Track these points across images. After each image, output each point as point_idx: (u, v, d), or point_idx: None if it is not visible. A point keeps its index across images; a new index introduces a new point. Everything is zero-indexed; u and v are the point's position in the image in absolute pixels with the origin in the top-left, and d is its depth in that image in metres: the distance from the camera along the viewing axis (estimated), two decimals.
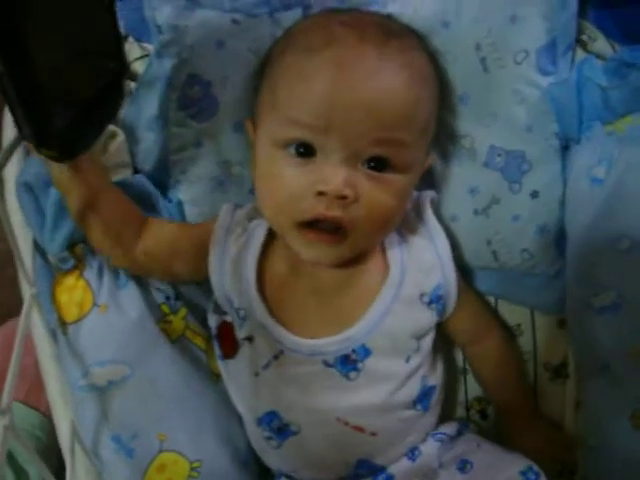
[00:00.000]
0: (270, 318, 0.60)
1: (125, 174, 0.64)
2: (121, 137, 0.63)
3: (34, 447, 0.83)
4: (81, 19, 0.45)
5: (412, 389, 0.61)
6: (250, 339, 0.61)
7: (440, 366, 0.66)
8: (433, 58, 0.62)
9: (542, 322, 0.69)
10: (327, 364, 0.59)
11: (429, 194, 0.65)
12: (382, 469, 0.62)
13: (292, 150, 0.55)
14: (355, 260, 0.60)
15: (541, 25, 0.58)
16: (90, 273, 0.62)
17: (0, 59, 0.39)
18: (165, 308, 0.64)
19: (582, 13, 0.60)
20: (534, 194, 0.62)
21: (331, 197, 0.54)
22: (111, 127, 0.62)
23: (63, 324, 0.62)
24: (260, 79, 0.61)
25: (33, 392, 0.84)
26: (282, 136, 0.56)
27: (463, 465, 0.60)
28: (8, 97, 0.41)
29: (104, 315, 0.61)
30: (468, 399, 0.72)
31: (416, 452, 0.62)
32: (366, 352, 0.59)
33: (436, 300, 0.62)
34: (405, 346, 0.60)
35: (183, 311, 0.66)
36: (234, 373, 0.63)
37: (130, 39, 0.64)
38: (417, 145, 0.58)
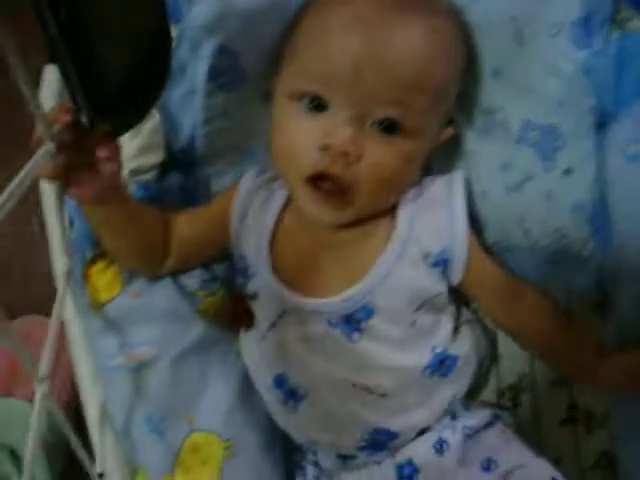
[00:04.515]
0: (272, 275, 0.61)
1: (158, 155, 0.65)
2: (155, 118, 0.64)
3: (40, 444, 0.83)
4: None
5: (420, 355, 0.60)
6: (255, 296, 0.61)
7: (469, 342, 0.65)
8: (462, 29, 0.61)
9: (576, 306, 0.66)
10: (330, 324, 0.59)
11: (461, 173, 0.65)
12: (402, 443, 0.61)
13: (305, 103, 0.57)
14: (364, 219, 0.61)
15: None
16: None
17: (58, 25, 0.39)
18: (202, 292, 0.65)
19: None
20: (568, 171, 0.61)
21: (334, 152, 0.54)
22: None
23: (94, 305, 0.62)
24: (285, 40, 0.62)
25: None
26: (296, 88, 0.57)
27: (488, 464, 0.59)
28: (64, 66, 0.41)
29: (135, 299, 0.62)
30: (499, 387, 0.70)
31: (444, 445, 0.61)
32: (369, 312, 0.59)
33: (441, 263, 0.61)
34: (409, 308, 0.60)
35: (221, 292, 0.66)
36: (248, 341, 0.64)
37: None
38: (430, 110, 0.58)
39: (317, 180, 0.57)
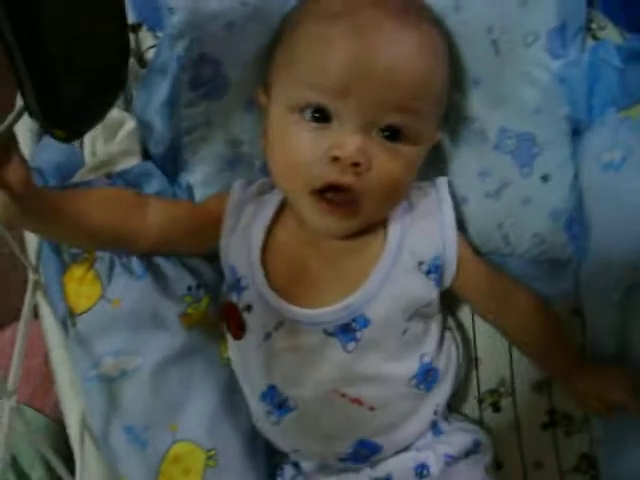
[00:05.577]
0: (268, 288, 0.60)
1: (134, 161, 0.65)
2: (131, 124, 0.63)
3: (39, 450, 0.82)
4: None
5: (410, 364, 0.61)
6: (249, 308, 0.61)
7: (450, 352, 0.65)
8: (445, 37, 0.62)
9: (557, 310, 0.67)
10: (327, 333, 0.59)
11: (445, 179, 0.66)
12: (383, 457, 0.61)
13: (308, 115, 0.56)
14: (359, 229, 0.61)
15: (551, 8, 0.58)
16: (101, 265, 0.62)
17: (12, 33, 0.39)
18: (188, 298, 0.64)
19: (591, 2, 0.61)
20: (545, 178, 0.62)
21: (345, 163, 0.54)
22: (121, 114, 0.63)
23: (72, 315, 0.61)
24: (276, 45, 0.62)
25: (37, 395, 0.84)
26: (299, 100, 0.56)
27: None
28: (18, 73, 0.41)
29: (115, 307, 0.61)
30: (480, 392, 0.71)
31: (425, 471, 0.61)
32: (365, 321, 0.59)
33: (434, 270, 0.61)
34: (403, 316, 0.60)
35: (207, 299, 0.65)
36: (241, 349, 0.63)
37: (144, 28, 0.65)
38: (431, 116, 0.59)
39: (324, 192, 0.56)
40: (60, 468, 0.54)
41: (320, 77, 0.55)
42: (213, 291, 0.67)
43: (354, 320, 0.59)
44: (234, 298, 0.63)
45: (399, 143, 0.57)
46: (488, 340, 0.70)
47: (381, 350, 0.59)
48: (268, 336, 0.60)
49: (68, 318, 0.61)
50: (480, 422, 0.70)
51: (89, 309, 0.61)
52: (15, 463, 0.80)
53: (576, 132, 0.63)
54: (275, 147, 0.60)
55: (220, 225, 0.64)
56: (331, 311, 0.59)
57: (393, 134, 0.56)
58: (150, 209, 0.62)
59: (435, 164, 0.67)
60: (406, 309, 0.60)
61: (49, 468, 0.81)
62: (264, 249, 0.62)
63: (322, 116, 0.56)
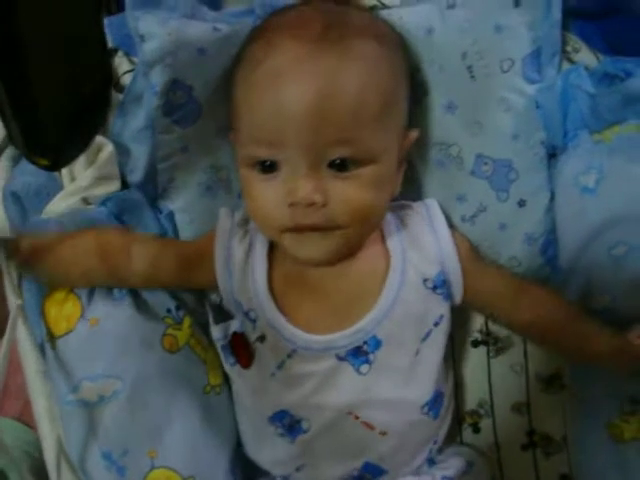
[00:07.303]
0: (281, 318, 0.60)
1: (113, 185, 0.64)
2: (109, 148, 0.63)
3: (28, 465, 0.82)
4: (69, 28, 0.46)
5: (424, 389, 0.61)
6: (262, 339, 0.61)
7: (450, 375, 0.66)
8: (392, 39, 0.61)
9: None
10: (339, 358, 0.59)
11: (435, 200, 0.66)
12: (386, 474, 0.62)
13: (258, 169, 0.58)
14: (354, 251, 0.61)
15: (526, 34, 0.59)
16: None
17: None
18: (169, 320, 0.64)
19: (566, 25, 0.61)
20: (521, 203, 0.63)
21: (302, 206, 0.55)
22: (99, 139, 0.62)
23: (52, 338, 0.61)
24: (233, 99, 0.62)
25: (27, 409, 0.83)
26: (246, 156, 0.59)
27: None
28: (0, 105, 0.41)
29: (94, 329, 0.61)
30: (460, 412, 0.71)
31: None
32: (377, 343, 0.59)
33: (441, 285, 0.62)
34: (415, 336, 0.61)
35: (188, 320, 0.65)
36: (248, 376, 0.62)
37: (120, 53, 0.65)
38: (378, 132, 0.57)
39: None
40: None
41: (256, 132, 0.57)
42: (193, 314, 0.66)
43: (366, 342, 0.59)
44: (241, 329, 0.63)
45: (352, 169, 0.56)
46: (467, 361, 0.70)
47: (395, 371, 0.60)
48: (282, 364, 0.60)
49: (47, 342, 0.61)
50: (459, 443, 0.70)
51: (69, 331, 0.61)
52: (3, 476, 0.80)
53: (552, 155, 0.63)
54: (243, 196, 0.63)
55: (210, 263, 0.64)
56: (343, 335, 0.59)
57: (343, 164, 0.56)
58: (134, 256, 0.62)
59: (411, 189, 0.67)
60: (418, 328, 0.61)
61: None
62: (269, 278, 0.62)
63: (271, 166, 0.57)
